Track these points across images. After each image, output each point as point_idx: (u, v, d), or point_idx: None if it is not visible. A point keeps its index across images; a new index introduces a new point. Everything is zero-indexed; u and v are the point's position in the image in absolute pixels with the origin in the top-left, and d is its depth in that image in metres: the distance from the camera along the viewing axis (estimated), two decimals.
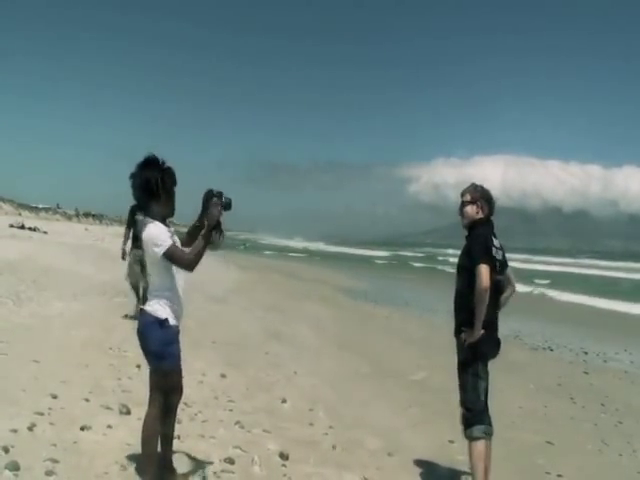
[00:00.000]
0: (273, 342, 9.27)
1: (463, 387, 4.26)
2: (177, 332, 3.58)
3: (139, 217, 8.53)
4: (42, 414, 4.55)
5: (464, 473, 4.69)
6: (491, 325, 4.12)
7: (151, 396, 3.59)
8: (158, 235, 3.42)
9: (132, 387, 5.63)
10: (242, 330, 10.00)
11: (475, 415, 4.16)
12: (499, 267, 4.11)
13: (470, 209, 4.23)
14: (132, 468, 3.85)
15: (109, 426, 4.54)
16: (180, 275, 3.58)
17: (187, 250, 3.48)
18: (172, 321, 3.50)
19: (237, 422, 5.08)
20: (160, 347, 3.49)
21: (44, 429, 4.28)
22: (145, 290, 8.65)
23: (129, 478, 3.75)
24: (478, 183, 4.35)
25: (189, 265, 3.40)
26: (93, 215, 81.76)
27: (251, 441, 4.72)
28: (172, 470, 3.78)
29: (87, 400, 5.07)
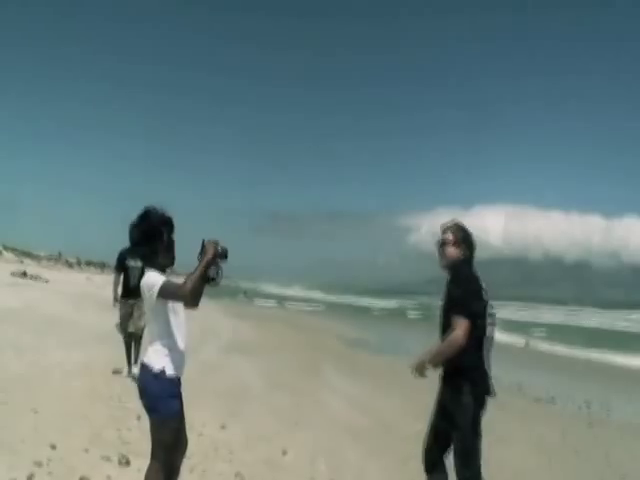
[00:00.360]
0: (274, 392, 9.21)
1: (462, 452, 3.85)
2: (176, 383, 3.46)
3: (130, 263, 8.63)
4: (41, 464, 4.52)
5: None
6: (480, 382, 3.91)
7: (152, 450, 3.45)
8: (152, 278, 3.38)
9: (132, 438, 5.59)
10: (243, 380, 9.95)
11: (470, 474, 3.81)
12: (484, 309, 3.92)
13: (452, 250, 3.99)
14: None
15: (108, 477, 4.51)
16: (180, 322, 3.50)
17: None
18: (169, 372, 3.38)
19: (237, 474, 5.03)
20: (155, 400, 3.38)
21: (42, 479, 4.25)
22: (138, 340, 8.72)
23: None
24: (459, 222, 4.12)
25: (186, 295, 3.26)
26: (94, 263, 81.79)
27: None
28: None
29: (87, 451, 5.04)
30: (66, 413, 6.12)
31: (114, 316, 9.01)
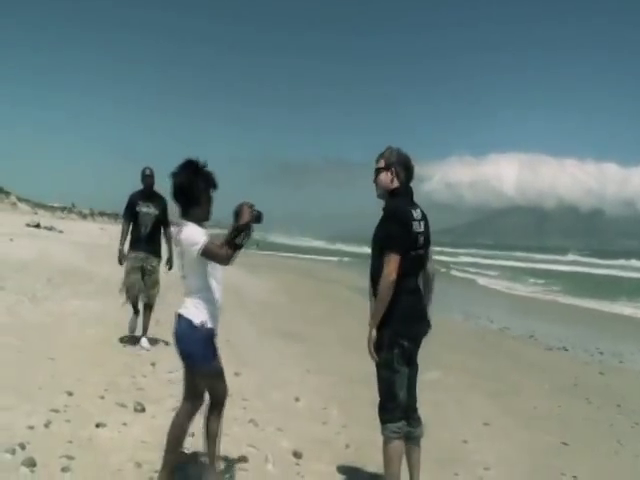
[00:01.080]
0: (287, 341, 9.29)
1: (378, 382, 3.76)
2: (213, 335, 3.60)
3: (142, 208, 7.47)
4: (58, 411, 4.60)
5: (479, 473, 4.66)
6: (407, 310, 3.65)
7: (185, 393, 3.62)
8: (194, 234, 3.42)
9: (147, 385, 5.68)
10: (256, 329, 10.04)
11: (386, 413, 3.67)
12: (422, 242, 3.69)
13: (384, 177, 3.76)
14: (147, 465, 3.88)
15: (124, 423, 4.58)
16: (219, 276, 3.60)
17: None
18: (208, 324, 3.52)
19: (251, 420, 5.09)
20: (193, 350, 3.51)
21: (60, 426, 4.33)
22: (149, 309, 7.56)
23: (144, 475, 3.78)
24: (394, 147, 3.83)
25: (227, 258, 3.36)
26: (108, 214, 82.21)
27: (264, 439, 4.73)
28: (214, 468, 3.78)
29: (102, 398, 5.11)
30: (82, 361, 6.21)
31: None
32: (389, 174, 3.75)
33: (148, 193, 7.58)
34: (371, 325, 3.65)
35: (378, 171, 3.80)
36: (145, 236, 7.46)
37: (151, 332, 7.49)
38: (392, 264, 3.52)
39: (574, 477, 4.79)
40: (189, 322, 3.48)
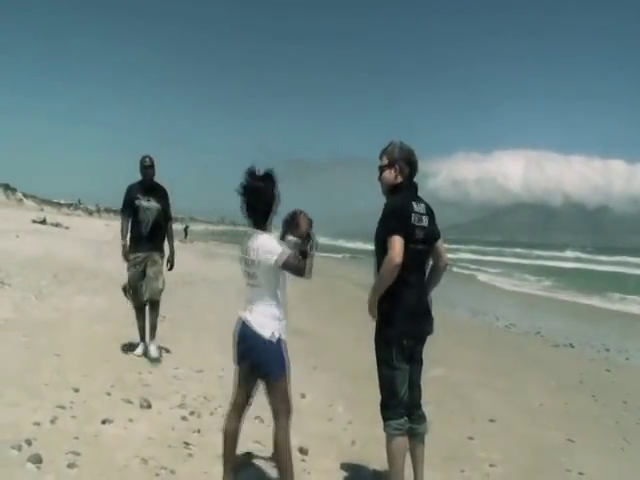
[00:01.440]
0: (293, 337, 9.26)
1: (379, 380, 3.80)
2: (285, 344, 3.63)
3: (142, 202, 6.74)
4: (64, 407, 4.61)
5: (485, 469, 4.65)
6: (407, 306, 3.62)
7: (278, 410, 3.64)
8: (274, 244, 3.46)
9: (153, 381, 5.69)
10: None
11: (388, 410, 3.70)
12: (423, 236, 3.64)
13: (388, 174, 3.76)
14: (153, 461, 3.89)
15: (130, 420, 4.59)
16: (286, 286, 3.65)
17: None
18: (281, 336, 3.58)
19: (257, 417, 5.08)
20: (271, 363, 3.56)
21: (66, 422, 4.34)
22: (155, 306, 6.88)
23: (150, 471, 3.79)
24: (396, 141, 3.82)
25: (306, 270, 3.43)
26: (114, 210, 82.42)
27: (270, 435, 4.72)
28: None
29: (108, 394, 5.13)
30: (88, 357, 6.22)
31: None
32: (393, 171, 3.75)
33: (148, 185, 6.83)
34: (369, 303, 3.68)
35: (382, 169, 3.79)
36: (146, 234, 6.73)
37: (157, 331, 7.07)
38: (396, 245, 3.46)
39: (580, 474, 4.78)
40: (260, 335, 3.53)
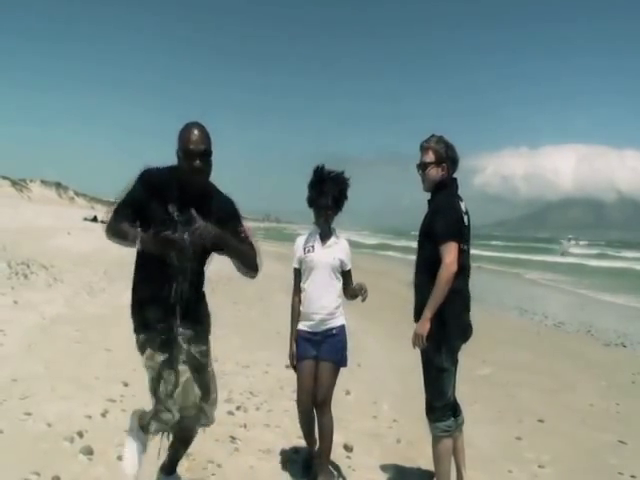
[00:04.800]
0: None
1: (426, 381, 3.72)
2: None
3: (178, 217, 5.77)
4: (114, 401, 4.72)
5: (534, 470, 4.57)
6: (457, 309, 3.58)
7: (329, 397, 3.92)
8: (349, 247, 4.04)
9: None
10: None
11: (437, 411, 3.65)
12: (468, 237, 3.61)
13: (434, 172, 3.64)
14: (200, 456, 3.94)
15: None
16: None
17: None
18: None
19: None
20: (345, 353, 4.02)
21: (116, 416, 4.44)
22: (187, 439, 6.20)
23: (197, 465, 3.85)
24: (438, 135, 3.69)
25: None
26: None
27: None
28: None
29: None
30: (137, 352, 6.33)
31: None
32: (440, 170, 3.64)
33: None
34: (425, 316, 3.49)
35: (427, 165, 3.66)
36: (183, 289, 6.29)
37: None
38: (452, 253, 3.40)
39: (632, 477, 4.64)
40: (344, 329, 4.05)
